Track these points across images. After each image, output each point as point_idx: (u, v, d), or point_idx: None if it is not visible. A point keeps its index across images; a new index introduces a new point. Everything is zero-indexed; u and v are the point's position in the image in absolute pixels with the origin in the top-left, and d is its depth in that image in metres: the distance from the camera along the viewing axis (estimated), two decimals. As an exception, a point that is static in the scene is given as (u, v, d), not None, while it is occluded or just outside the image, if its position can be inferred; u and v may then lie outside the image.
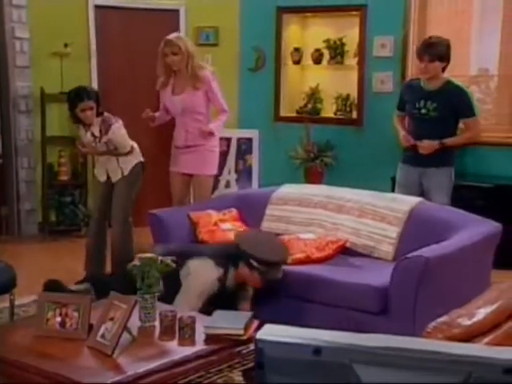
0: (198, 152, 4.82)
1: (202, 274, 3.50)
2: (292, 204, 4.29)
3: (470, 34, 5.64)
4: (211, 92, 4.78)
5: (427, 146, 4.41)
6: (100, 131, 4.61)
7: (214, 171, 4.99)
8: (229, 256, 3.57)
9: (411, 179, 4.51)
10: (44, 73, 5.96)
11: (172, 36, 4.82)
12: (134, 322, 2.90)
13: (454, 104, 4.40)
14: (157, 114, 4.96)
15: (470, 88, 5.71)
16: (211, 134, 4.77)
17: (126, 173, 4.67)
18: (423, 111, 4.44)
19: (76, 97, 4.58)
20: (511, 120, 5.49)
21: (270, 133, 6.41)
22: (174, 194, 4.96)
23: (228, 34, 6.44)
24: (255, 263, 3.48)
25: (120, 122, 4.65)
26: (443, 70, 4.46)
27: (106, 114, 4.66)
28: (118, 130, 4.61)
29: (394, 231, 3.85)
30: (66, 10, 5.99)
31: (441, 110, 4.39)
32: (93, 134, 4.64)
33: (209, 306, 3.35)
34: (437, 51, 4.37)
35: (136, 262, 3.05)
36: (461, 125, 4.60)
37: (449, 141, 4.42)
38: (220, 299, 3.47)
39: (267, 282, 3.55)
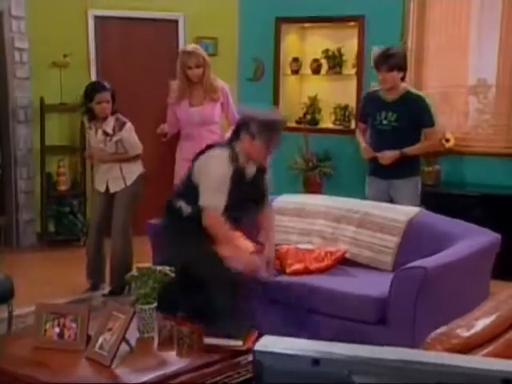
0: None
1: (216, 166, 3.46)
2: (291, 214, 4.29)
3: (468, 43, 5.65)
4: (227, 103, 4.80)
5: (388, 156, 4.41)
6: (113, 129, 4.61)
7: None
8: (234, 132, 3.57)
9: (379, 191, 4.50)
10: (43, 83, 5.97)
11: (191, 47, 4.80)
12: (133, 333, 2.90)
13: (414, 114, 4.41)
14: (165, 127, 4.92)
15: (468, 98, 5.74)
16: None
17: (128, 183, 4.66)
18: (384, 122, 4.45)
19: (93, 89, 4.62)
20: (509, 130, 5.50)
21: None
22: None
23: (227, 45, 6.46)
24: (255, 128, 3.44)
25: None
26: (402, 79, 4.47)
27: (119, 113, 4.70)
28: (131, 130, 4.65)
29: (392, 241, 3.85)
30: (66, 21, 6.02)
31: (402, 120, 4.39)
32: (105, 132, 4.62)
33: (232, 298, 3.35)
34: (395, 61, 4.38)
35: (134, 273, 3.05)
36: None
37: (409, 150, 4.43)
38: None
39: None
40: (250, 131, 3.47)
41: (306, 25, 6.36)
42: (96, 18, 6.13)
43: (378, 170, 4.50)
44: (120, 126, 4.61)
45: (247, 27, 6.42)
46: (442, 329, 2.03)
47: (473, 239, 3.63)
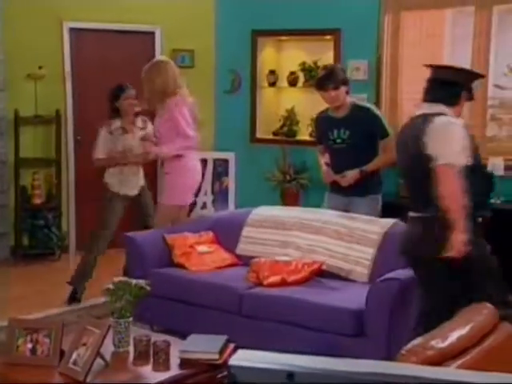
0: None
1: None
2: (268, 226, 4.30)
3: (442, 57, 5.72)
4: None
5: (348, 179, 4.32)
6: (142, 129, 4.82)
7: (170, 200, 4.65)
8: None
9: (339, 208, 4.36)
10: (18, 95, 5.92)
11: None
12: (108, 347, 2.87)
13: (366, 127, 4.32)
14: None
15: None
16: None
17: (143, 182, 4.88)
18: (338, 141, 4.37)
19: (119, 88, 4.79)
20: (483, 142, 5.54)
21: (246, 154, 6.41)
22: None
23: (204, 57, 6.46)
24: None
25: None
26: (346, 93, 4.41)
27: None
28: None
29: (368, 253, 3.86)
30: (41, 33, 5.98)
31: (355, 135, 4.31)
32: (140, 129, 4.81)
33: None
34: (339, 77, 4.33)
35: (109, 286, 3.01)
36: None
37: (368, 167, 4.33)
38: None
39: None
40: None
41: (283, 37, 6.39)
42: (71, 29, 6.10)
43: (338, 187, 4.40)
44: (146, 125, 4.85)
45: (224, 39, 6.43)
46: (417, 340, 2.05)
47: None
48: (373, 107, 4.55)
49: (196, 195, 5.48)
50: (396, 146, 3.45)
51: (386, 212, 4.45)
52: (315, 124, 4.75)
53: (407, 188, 3.47)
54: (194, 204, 5.31)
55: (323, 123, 4.50)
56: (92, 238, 4.81)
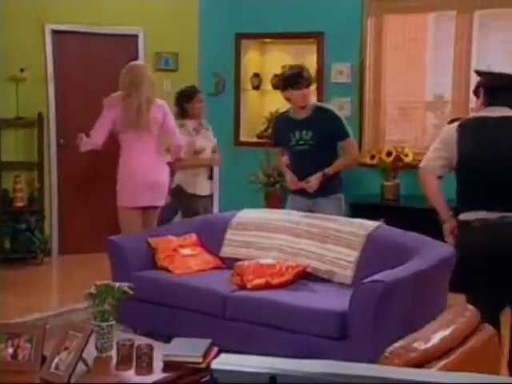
0: None
1: None
2: (252, 229, 4.28)
3: (425, 61, 5.77)
4: None
5: (313, 184, 4.26)
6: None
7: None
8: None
9: (303, 210, 4.34)
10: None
11: None
12: (91, 352, 2.84)
13: (328, 128, 4.28)
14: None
15: (425, 114, 5.84)
16: None
17: None
18: (301, 142, 4.31)
19: (194, 90, 5.03)
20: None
21: (231, 157, 6.39)
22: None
23: (187, 59, 6.45)
24: None
25: None
26: None
27: None
28: None
29: (352, 255, 3.86)
30: (22, 35, 5.94)
31: (318, 136, 4.27)
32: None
33: None
34: (308, 76, 4.32)
35: (92, 290, 2.98)
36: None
37: (330, 169, 4.29)
38: None
39: None
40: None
41: (266, 40, 6.40)
42: (54, 32, 6.06)
43: (302, 189, 4.34)
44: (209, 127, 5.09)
45: (208, 42, 6.43)
46: (400, 342, 2.06)
47: (431, 252, 3.66)
48: (333, 109, 4.51)
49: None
50: (473, 146, 3.32)
51: (370, 213, 4.47)
52: (275, 126, 4.65)
53: (488, 188, 3.33)
54: (169, 207, 5.18)
55: (284, 125, 4.42)
56: None
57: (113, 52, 6.21)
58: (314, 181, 4.27)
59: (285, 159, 4.51)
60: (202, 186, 4.95)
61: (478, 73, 3.52)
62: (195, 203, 4.93)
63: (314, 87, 4.44)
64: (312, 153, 4.28)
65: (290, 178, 4.42)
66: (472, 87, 5.35)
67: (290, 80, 4.27)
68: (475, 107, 3.46)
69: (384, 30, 5.73)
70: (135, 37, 6.30)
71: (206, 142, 5.05)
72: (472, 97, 5.32)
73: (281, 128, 4.47)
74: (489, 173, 3.30)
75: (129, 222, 4.53)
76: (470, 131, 3.34)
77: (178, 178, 4.95)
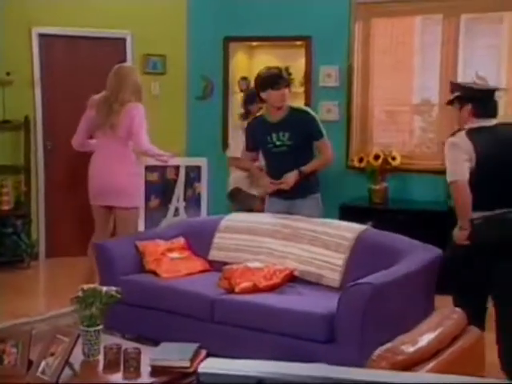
0: None
1: None
2: (240, 232, 4.28)
3: (412, 64, 5.78)
4: None
5: (290, 180, 4.23)
6: None
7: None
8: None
9: (281, 212, 4.33)
10: (-15, 101, 5.85)
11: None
12: (77, 356, 2.82)
13: (304, 128, 4.28)
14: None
15: (413, 117, 5.86)
16: None
17: None
18: (278, 143, 4.29)
19: (256, 93, 4.49)
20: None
21: (219, 161, 6.38)
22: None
23: (176, 62, 6.43)
24: None
25: None
26: None
27: None
28: None
29: (340, 258, 3.86)
30: (9, 38, 5.90)
31: (295, 137, 4.27)
32: None
33: None
34: (286, 77, 4.38)
35: (79, 294, 2.97)
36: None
37: (306, 168, 4.27)
38: None
39: None
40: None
41: (255, 44, 6.40)
42: (40, 35, 6.03)
43: (279, 191, 4.32)
44: None
45: (196, 45, 6.41)
46: (387, 345, 2.06)
47: (418, 255, 3.68)
48: (309, 109, 4.52)
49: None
50: (487, 145, 3.45)
51: (358, 216, 4.49)
52: (249, 130, 4.53)
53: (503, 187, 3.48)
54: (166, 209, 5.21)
55: (259, 128, 4.38)
56: None
57: (100, 55, 6.17)
58: (290, 178, 4.24)
59: (257, 164, 4.51)
60: (255, 187, 5.08)
61: (459, 86, 3.66)
62: (252, 202, 5.09)
63: (290, 89, 4.51)
64: (290, 154, 4.27)
65: (266, 182, 4.38)
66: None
67: (270, 80, 4.25)
68: (460, 118, 3.58)
69: (371, 33, 5.74)
70: (123, 40, 6.27)
71: None
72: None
73: (256, 131, 4.42)
74: (504, 171, 3.46)
75: (95, 218, 4.77)
76: (480, 134, 3.48)
77: (235, 180, 5.26)
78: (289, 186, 4.24)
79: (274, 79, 4.24)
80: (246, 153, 4.55)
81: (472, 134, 3.46)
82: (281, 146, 4.28)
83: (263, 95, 4.29)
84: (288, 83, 4.33)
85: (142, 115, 4.57)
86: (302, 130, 4.27)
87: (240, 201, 5.22)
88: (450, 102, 3.62)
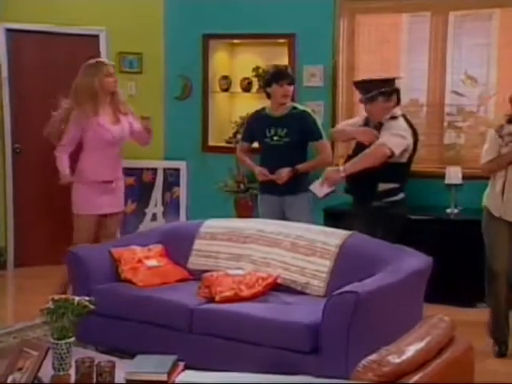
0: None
1: None
2: (221, 238, 4.22)
3: (399, 63, 5.74)
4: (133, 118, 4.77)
5: (283, 175, 4.54)
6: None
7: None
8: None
9: (273, 209, 4.61)
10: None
11: (99, 59, 4.86)
12: (47, 371, 2.72)
13: (301, 128, 4.59)
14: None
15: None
16: None
17: None
18: (275, 138, 4.60)
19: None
20: (441, 150, 5.54)
21: (198, 163, 6.33)
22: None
23: (152, 61, 6.38)
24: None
25: None
26: None
27: None
28: None
29: (325, 266, 3.80)
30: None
31: (292, 134, 4.57)
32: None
33: None
34: (292, 75, 4.70)
35: (49, 305, 2.84)
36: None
37: (301, 167, 4.58)
38: None
39: None
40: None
41: (235, 41, 6.33)
42: (8, 31, 5.89)
43: (271, 188, 4.61)
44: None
45: (174, 43, 6.32)
46: (373, 356, 2.04)
47: (405, 262, 3.64)
48: (310, 111, 4.78)
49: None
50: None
51: (343, 221, 4.42)
52: (250, 121, 4.89)
53: None
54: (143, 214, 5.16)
55: (260, 120, 4.71)
56: None
57: (73, 53, 6.01)
58: (284, 173, 4.54)
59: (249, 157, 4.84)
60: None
61: (379, 81, 4.27)
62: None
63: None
64: (284, 149, 4.57)
65: (258, 171, 4.68)
66: (448, 90, 5.38)
67: (275, 76, 4.61)
68: (388, 108, 4.16)
69: (356, 31, 5.71)
70: (97, 37, 6.15)
71: None
72: (447, 100, 5.34)
73: (256, 123, 4.75)
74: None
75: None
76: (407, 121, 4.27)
77: None
78: (282, 180, 4.55)
79: (279, 75, 4.61)
80: (241, 143, 4.93)
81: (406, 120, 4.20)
82: (277, 140, 4.59)
83: (269, 90, 4.62)
84: (292, 80, 4.63)
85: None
86: (301, 129, 4.58)
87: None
88: (372, 99, 4.14)
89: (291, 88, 4.60)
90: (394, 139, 4.07)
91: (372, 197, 4.18)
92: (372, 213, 4.20)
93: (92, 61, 4.69)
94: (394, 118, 4.15)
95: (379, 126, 4.18)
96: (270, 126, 4.60)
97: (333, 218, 5.11)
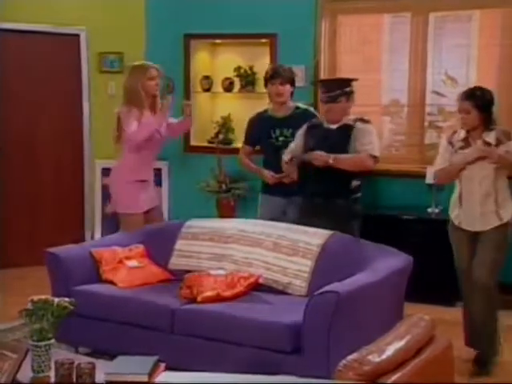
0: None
1: None
2: (203, 239, 4.19)
3: (381, 64, 5.74)
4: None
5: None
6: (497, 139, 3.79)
7: None
8: None
9: (276, 210, 4.50)
10: None
11: (144, 62, 4.85)
12: (26, 373, 2.70)
13: None
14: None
15: (382, 118, 5.81)
16: None
17: (505, 219, 3.83)
18: (281, 139, 4.54)
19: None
20: (421, 150, 5.56)
21: (180, 164, 6.29)
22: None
23: (133, 61, 6.20)
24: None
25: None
26: (291, 95, 4.65)
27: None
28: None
29: (306, 265, 3.79)
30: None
31: None
32: (485, 142, 3.81)
33: None
34: (289, 75, 4.60)
35: (28, 306, 2.80)
36: None
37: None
38: None
39: None
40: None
41: (217, 41, 6.30)
42: (-15, 30, 5.84)
43: (276, 188, 4.48)
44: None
45: (155, 42, 6.27)
46: (354, 355, 2.04)
47: (386, 262, 3.64)
48: (312, 109, 4.76)
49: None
50: None
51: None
52: (252, 123, 4.79)
53: None
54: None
55: (264, 122, 4.66)
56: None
57: (52, 53, 5.97)
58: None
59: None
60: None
61: (343, 80, 4.34)
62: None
63: (291, 88, 4.63)
64: None
65: (267, 174, 4.56)
66: (429, 90, 5.40)
67: (268, 75, 4.63)
68: (347, 109, 4.18)
69: (338, 31, 5.71)
70: (77, 36, 6.09)
71: None
72: (428, 100, 5.36)
73: (259, 124, 4.70)
74: None
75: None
76: None
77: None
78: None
79: (270, 74, 4.61)
80: (244, 146, 4.87)
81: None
82: (283, 141, 4.51)
83: (266, 89, 4.67)
84: (284, 80, 4.55)
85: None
86: None
87: None
88: (335, 98, 4.10)
89: (285, 88, 4.52)
90: (376, 145, 4.08)
91: (344, 193, 4.09)
92: (340, 209, 4.08)
93: (137, 63, 4.71)
94: (365, 121, 4.12)
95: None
96: (274, 127, 4.56)
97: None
